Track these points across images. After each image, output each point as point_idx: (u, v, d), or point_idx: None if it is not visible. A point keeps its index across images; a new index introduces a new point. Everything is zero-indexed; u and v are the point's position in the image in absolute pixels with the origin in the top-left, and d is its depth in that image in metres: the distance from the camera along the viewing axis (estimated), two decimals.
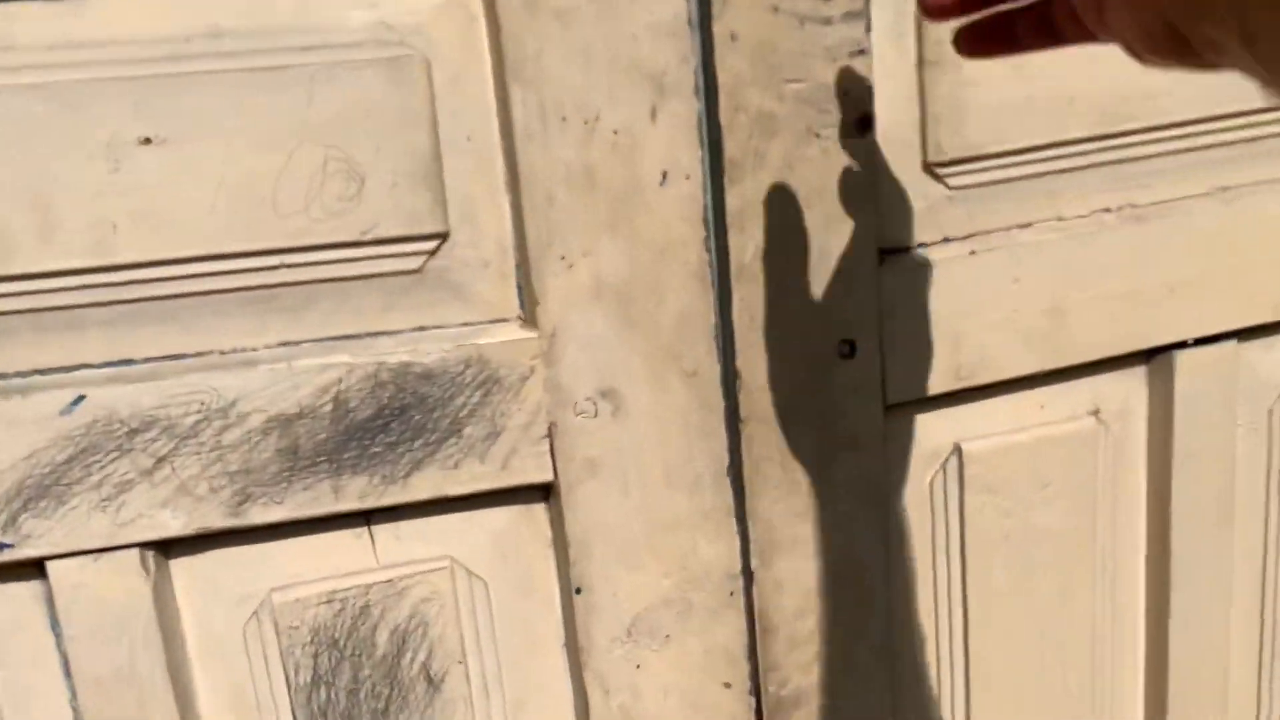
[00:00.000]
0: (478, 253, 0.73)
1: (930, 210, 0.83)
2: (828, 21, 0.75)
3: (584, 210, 0.72)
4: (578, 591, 0.77)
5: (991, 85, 0.81)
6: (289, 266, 0.70)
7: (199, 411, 0.70)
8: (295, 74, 0.67)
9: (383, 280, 0.72)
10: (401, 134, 0.70)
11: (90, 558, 0.70)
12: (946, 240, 0.84)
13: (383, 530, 0.76)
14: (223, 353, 0.71)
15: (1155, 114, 0.85)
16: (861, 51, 0.76)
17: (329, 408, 0.71)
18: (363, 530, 0.75)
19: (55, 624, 0.71)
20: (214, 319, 0.71)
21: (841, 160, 0.77)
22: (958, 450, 0.87)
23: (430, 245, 0.72)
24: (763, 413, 0.79)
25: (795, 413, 0.80)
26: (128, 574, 0.71)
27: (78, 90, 0.65)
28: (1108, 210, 0.87)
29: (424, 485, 0.74)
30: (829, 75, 0.76)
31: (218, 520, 0.71)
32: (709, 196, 0.75)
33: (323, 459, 0.72)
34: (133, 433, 0.69)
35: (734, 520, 0.79)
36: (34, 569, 0.70)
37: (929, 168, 0.82)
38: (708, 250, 0.75)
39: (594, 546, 0.77)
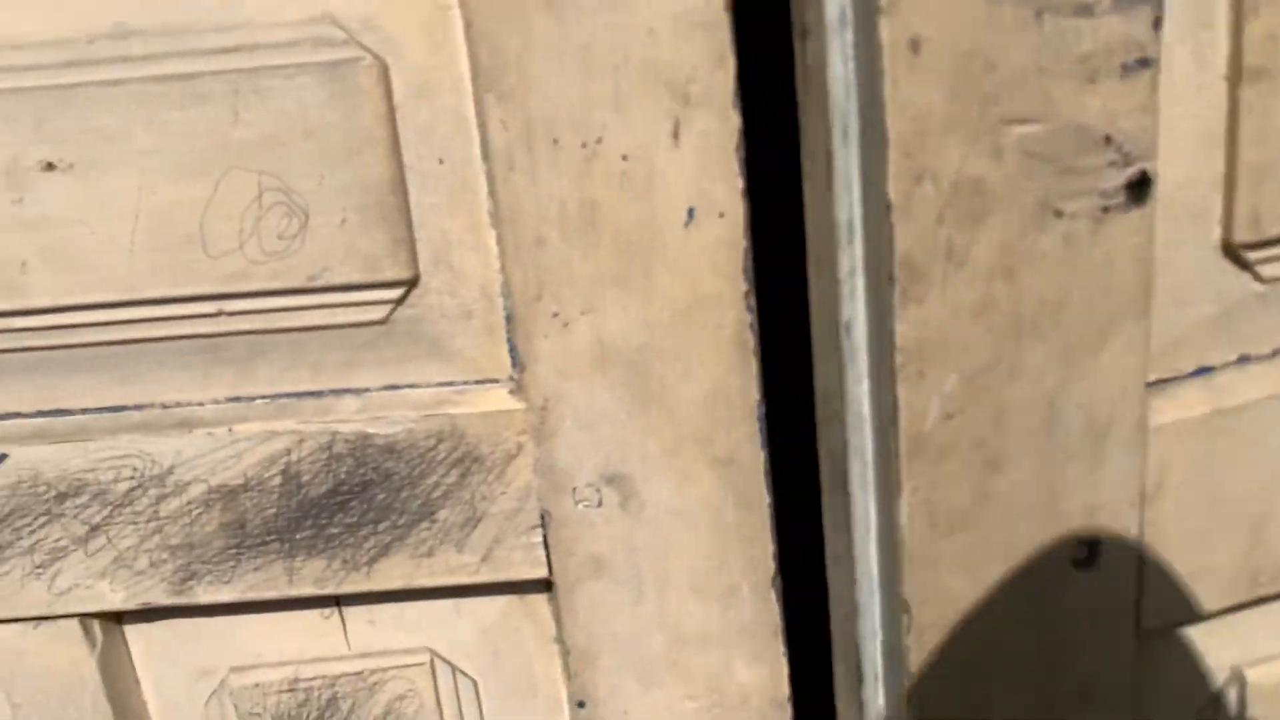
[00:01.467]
0: (457, 301, 0.59)
1: (1226, 317, 0.56)
2: (1088, 11, 0.46)
3: (583, 257, 0.56)
4: (580, 705, 0.64)
5: None
6: (229, 315, 0.58)
7: (131, 478, 0.60)
8: (215, 84, 0.54)
9: (342, 331, 0.59)
10: (351, 160, 0.55)
11: (30, 625, 0.63)
12: (1243, 361, 0.57)
13: (354, 612, 0.65)
14: (165, 406, 0.61)
15: None
16: (1143, 62, 0.48)
17: (277, 481, 0.60)
18: (332, 611, 0.65)
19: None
20: (154, 369, 0.60)
21: (1098, 252, 0.50)
22: (1239, 679, 0.64)
23: (395, 293, 0.58)
24: None
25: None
26: (70, 644, 0.63)
27: None
28: None
29: (392, 573, 0.61)
30: (1086, 108, 0.48)
31: (161, 597, 0.62)
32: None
33: (273, 538, 0.61)
34: (61, 496, 0.60)
35: (781, 641, 0.63)
36: None
37: (1232, 250, 0.55)
38: (749, 310, 0.57)
39: (600, 656, 0.63)
